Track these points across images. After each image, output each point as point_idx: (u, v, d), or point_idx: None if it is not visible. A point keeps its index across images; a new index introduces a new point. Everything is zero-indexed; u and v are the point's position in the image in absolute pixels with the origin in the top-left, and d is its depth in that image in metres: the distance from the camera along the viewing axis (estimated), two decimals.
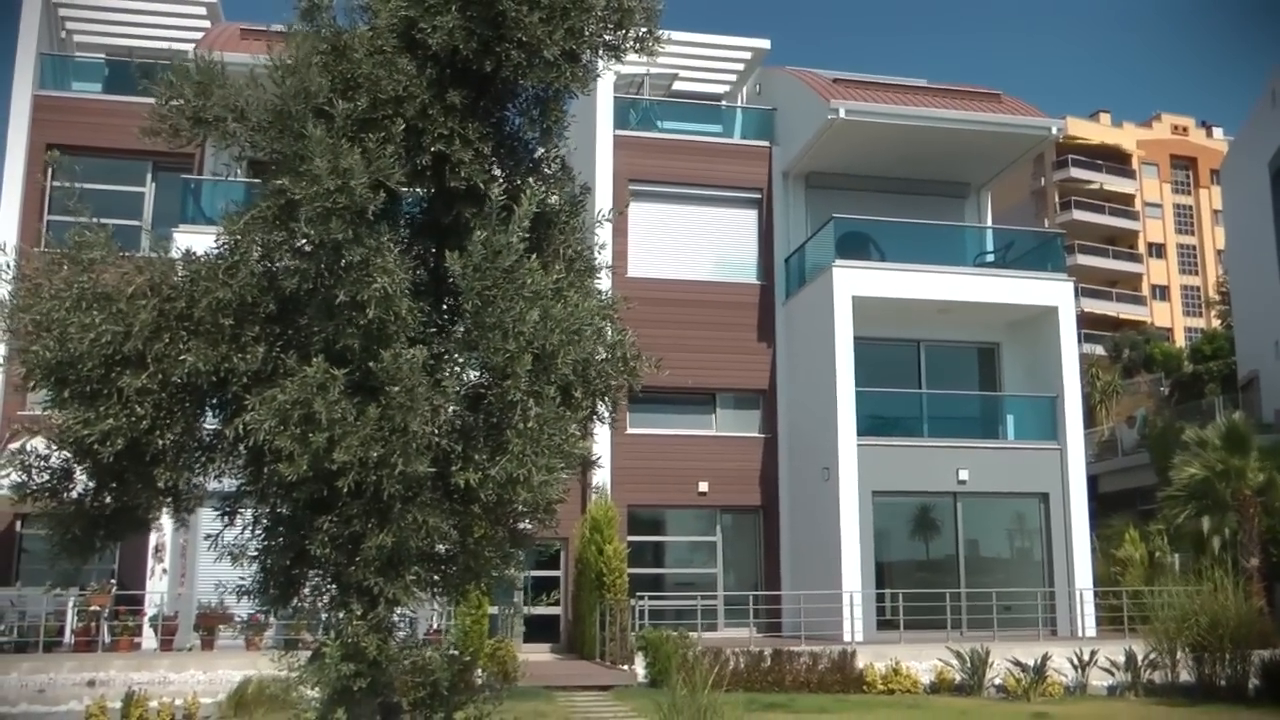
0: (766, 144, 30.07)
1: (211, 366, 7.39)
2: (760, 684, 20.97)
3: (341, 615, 7.91)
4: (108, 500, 8.07)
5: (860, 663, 21.86)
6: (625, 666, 22.20)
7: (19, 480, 8.04)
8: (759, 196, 29.70)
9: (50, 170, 26.04)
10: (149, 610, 21.71)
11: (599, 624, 23.44)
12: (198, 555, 21.50)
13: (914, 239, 27.77)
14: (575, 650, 25.08)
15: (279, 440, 7.09)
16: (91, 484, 8.03)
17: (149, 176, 26.53)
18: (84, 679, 19.00)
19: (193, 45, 25.82)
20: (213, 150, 24.16)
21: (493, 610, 21.48)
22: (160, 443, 7.54)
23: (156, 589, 21.87)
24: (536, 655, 23.88)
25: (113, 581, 22.21)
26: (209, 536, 8.27)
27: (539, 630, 25.12)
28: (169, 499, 8.14)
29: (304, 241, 7.43)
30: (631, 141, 28.67)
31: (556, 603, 25.43)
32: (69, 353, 7.36)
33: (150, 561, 21.71)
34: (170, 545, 21.67)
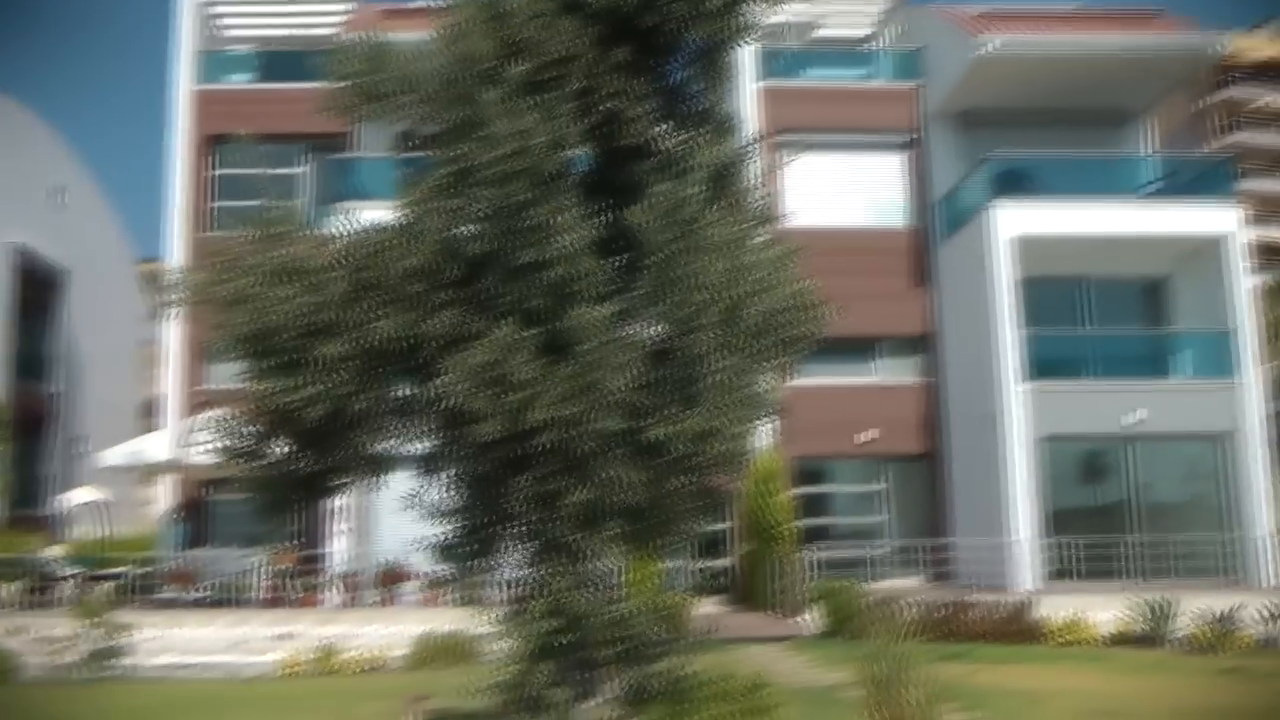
0: (914, 85, 29.50)
1: (403, 332, 7.54)
2: (935, 635, 20.69)
3: (542, 571, 8.04)
4: (305, 465, 8.31)
5: (1037, 613, 21.40)
6: (799, 618, 22.14)
7: (223, 445, 8.32)
8: (908, 139, 29.18)
9: (215, 159, 26.89)
10: (332, 568, 22.47)
11: (769, 576, 23.41)
12: (379, 515, 22.08)
13: (1073, 173, 26.91)
14: (746, 603, 25.07)
15: (473, 402, 7.20)
16: (289, 449, 8.28)
17: (305, 158, 27.09)
18: (276, 633, 19.78)
19: (336, 30, 26.26)
20: (368, 128, 24.65)
21: (664, 565, 21.59)
22: (357, 408, 7.72)
23: (338, 548, 22.61)
24: (708, 608, 23.95)
25: (298, 542, 22.90)
26: (407, 496, 8.44)
27: (710, 583, 25.20)
28: (366, 462, 8.34)
29: (485, 206, 7.50)
30: (777, 92, 28.35)
31: (726, 555, 25.51)
32: (266, 324, 7.57)
33: (332, 522, 22.39)
34: (351, 506, 22.28)
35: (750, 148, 9.08)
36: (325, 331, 7.57)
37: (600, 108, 7.91)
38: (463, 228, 7.68)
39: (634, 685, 8.34)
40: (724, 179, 8.58)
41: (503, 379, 7.13)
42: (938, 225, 28.64)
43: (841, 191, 28.39)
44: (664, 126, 8.29)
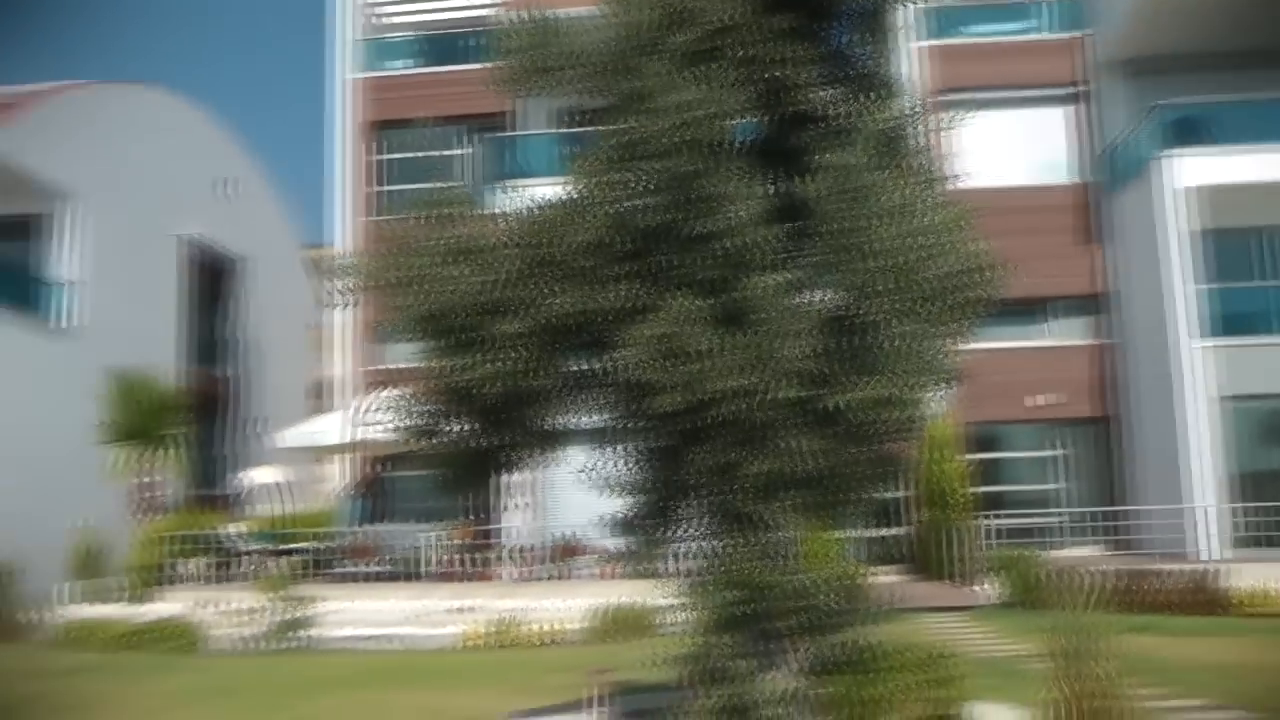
0: (1079, 35, 28.66)
1: (577, 307, 7.55)
2: (1116, 605, 20.08)
3: (722, 543, 8.00)
4: (483, 441, 8.40)
5: (1224, 583, 20.60)
6: (977, 588, 21.82)
7: (403, 424, 8.47)
8: (1074, 91, 28.38)
9: (378, 144, 27.47)
10: (508, 543, 22.82)
11: (945, 544, 23.11)
12: (553, 490, 22.36)
13: (1252, 118, 25.76)
14: (921, 571, 24.78)
15: (650, 374, 7.18)
16: (468, 427, 8.38)
17: (466, 140, 27.44)
18: (454, 606, 20.18)
19: (495, 10, 26.50)
20: (529, 107, 24.91)
21: (840, 534, 21.42)
22: (533, 384, 7.77)
23: (514, 523, 22.96)
24: (884, 578, 23.70)
25: (474, 517, 23.32)
26: (582, 470, 8.47)
27: (882, 552, 24.94)
28: (543, 438, 8.40)
29: (654, 178, 7.46)
30: (939, 50, 27.84)
31: (901, 524, 25.22)
32: (442, 304, 7.65)
33: (507, 497, 22.75)
34: (526, 481, 22.60)
35: (918, 109, 8.89)
36: (500, 309, 7.63)
37: (764, 75, 7.81)
38: (633, 201, 7.63)
39: (816, 656, 8.26)
40: (892, 142, 8.39)
41: (679, 350, 7.10)
42: (1108, 179, 27.80)
43: (1006, 149, 27.69)
44: (830, 91, 8.15)
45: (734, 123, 7.72)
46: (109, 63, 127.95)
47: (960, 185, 8.72)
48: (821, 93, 7.96)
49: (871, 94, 8.28)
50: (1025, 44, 29.19)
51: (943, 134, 9.19)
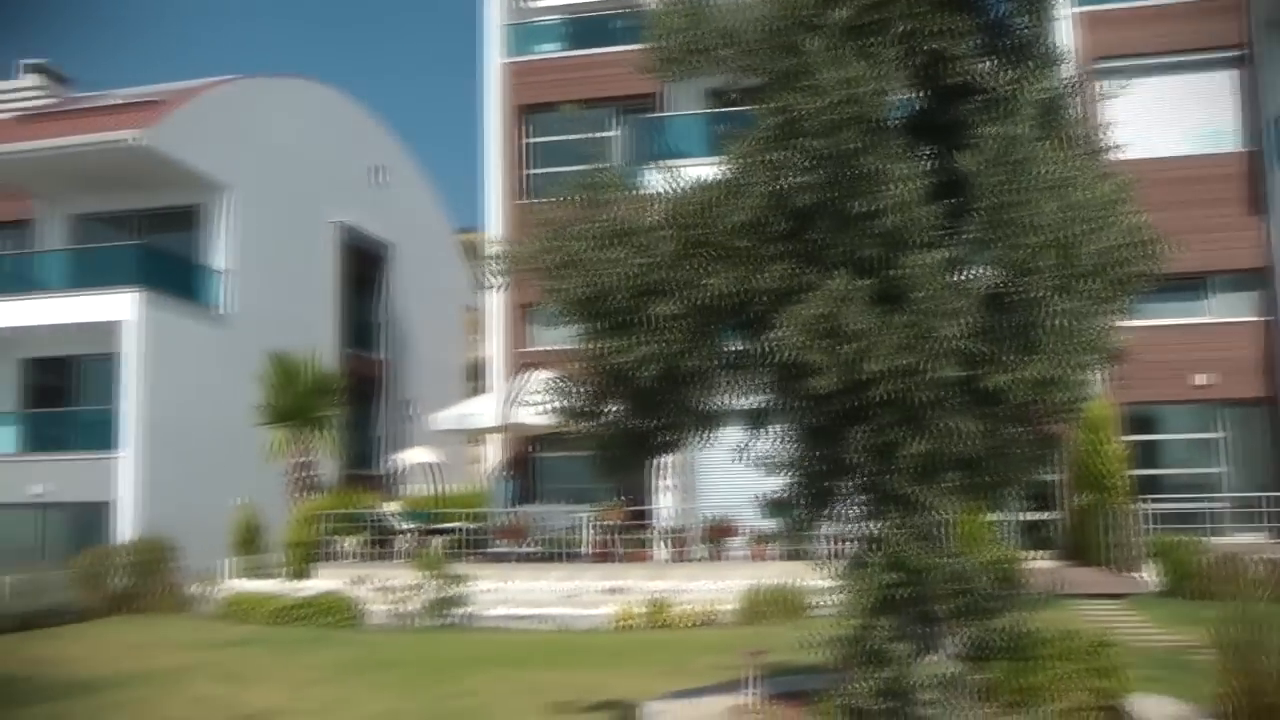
0: None
1: (734, 288, 7.54)
2: None
3: (879, 524, 7.93)
4: (640, 423, 8.43)
5: None
6: (1134, 574, 21.28)
7: (560, 405, 8.54)
8: (1237, 54, 27.37)
9: (527, 128, 27.74)
10: (659, 524, 22.91)
11: (1101, 529, 22.57)
12: (704, 470, 22.38)
13: None
14: (1076, 557, 24.25)
15: (808, 354, 7.14)
16: (625, 408, 8.42)
17: (615, 122, 27.50)
18: (606, 586, 20.32)
19: None
20: (678, 88, 24.88)
21: (993, 518, 21.06)
22: (690, 365, 7.78)
23: (665, 504, 23.03)
24: (1038, 563, 23.27)
25: (625, 498, 23.44)
26: (738, 450, 8.45)
27: (1036, 536, 24.46)
28: (700, 419, 8.41)
29: (812, 157, 7.39)
30: (1096, 17, 27.08)
31: (1055, 508, 24.69)
32: (598, 287, 7.69)
33: (658, 478, 22.81)
34: (676, 462, 22.65)
35: (1078, 79, 8.67)
36: (656, 291, 7.64)
37: (924, 48, 7.68)
38: (790, 180, 7.57)
39: (974, 641, 8.14)
40: (1052, 113, 8.19)
41: (837, 330, 7.04)
42: (1273, 147, 26.77)
43: (1166, 117, 26.82)
44: (988, 63, 7.99)
45: (894, 98, 7.62)
46: (264, 56, 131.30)
47: (1120, 156, 8.50)
48: (980, 64, 7.82)
49: (1030, 63, 8.09)
50: (1186, 5, 28.15)
51: (1101, 103, 8.97)
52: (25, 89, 34.64)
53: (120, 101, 31.55)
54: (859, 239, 7.30)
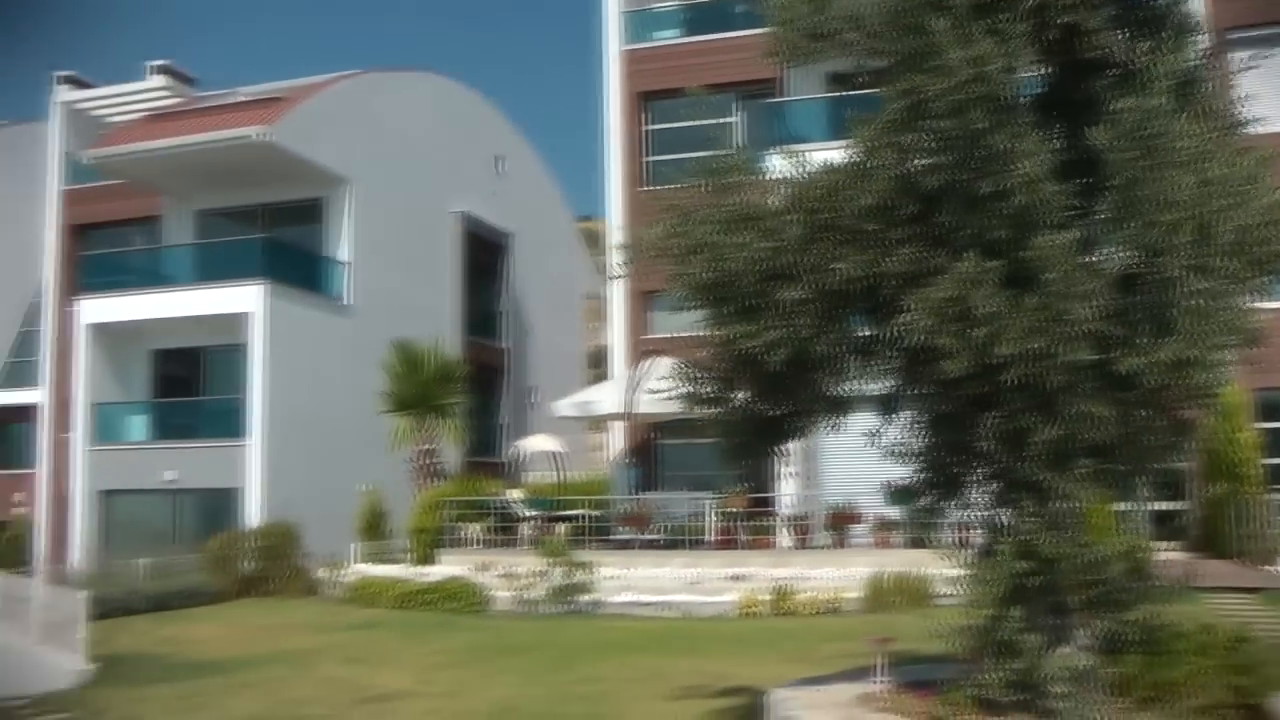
0: None
1: (861, 272, 7.45)
2: None
3: (1010, 512, 7.80)
4: (767, 409, 8.39)
5: None
6: (1267, 567, 20.64)
7: (687, 392, 8.53)
8: None
9: (646, 115, 27.76)
10: (782, 511, 22.80)
11: (1234, 520, 21.94)
12: (826, 457, 22.21)
13: None
14: (1206, 548, 23.60)
15: (937, 339, 7.04)
16: (752, 394, 8.39)
17: (735, 108, 27.33)
18: (729, 573, 20.28)
19: None
20: (798, 72, 24.67)
21: (1120, 507, 20.53)
22: (818, 350, 7.71)
23: (787, 491, 22.90)
24: (1167, 553, 22.67)
25: (747, 485, 23.37)
26: (864, 436, 8.36)
27: (1166, 526, 23.83)
28: (827, 404, 8.34)
29: (939, 138, 7.27)
30: None
31: (1183, 497, 24.02)
32: (724, 271, 7.65)
33: (779, 465, 22.67)
34: (798, 449, 22.53)
35: (1214, 49, 8.42)
36: (783, 275, 7.58)
37: (1055, 22, 7.50)
38: (917, 162, 7.46)
39: (1107, 633, 7.95)
40: (1186, 86, 7.94)
41: (966, 314, 6.91)
42: None
43: None
44: (1121, 35, 7.78)
45: (1023, 75, 7.47)
46: (385, 50, 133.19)
47: (1258, 130, 8.23)
48: (1113, 36, 7.61)
49: (1165, 34, 7.85)
50: None
51: (1238, 75, 8.68)
52: (152, 90, 35.54)
53: (245, 99, 32.28)
54: (988, 220, 7.16)
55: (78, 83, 36.58)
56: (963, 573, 8.02)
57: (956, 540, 12.59)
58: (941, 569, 8.35)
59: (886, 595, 17.91)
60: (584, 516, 23.87)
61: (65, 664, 15.86)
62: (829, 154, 8.24)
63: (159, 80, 35.55)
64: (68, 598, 17.15)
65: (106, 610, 19.27)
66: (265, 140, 28.56)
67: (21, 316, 38.91)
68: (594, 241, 45.52)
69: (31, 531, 33.86)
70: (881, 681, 8.81)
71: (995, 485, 8.03)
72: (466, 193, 36.31)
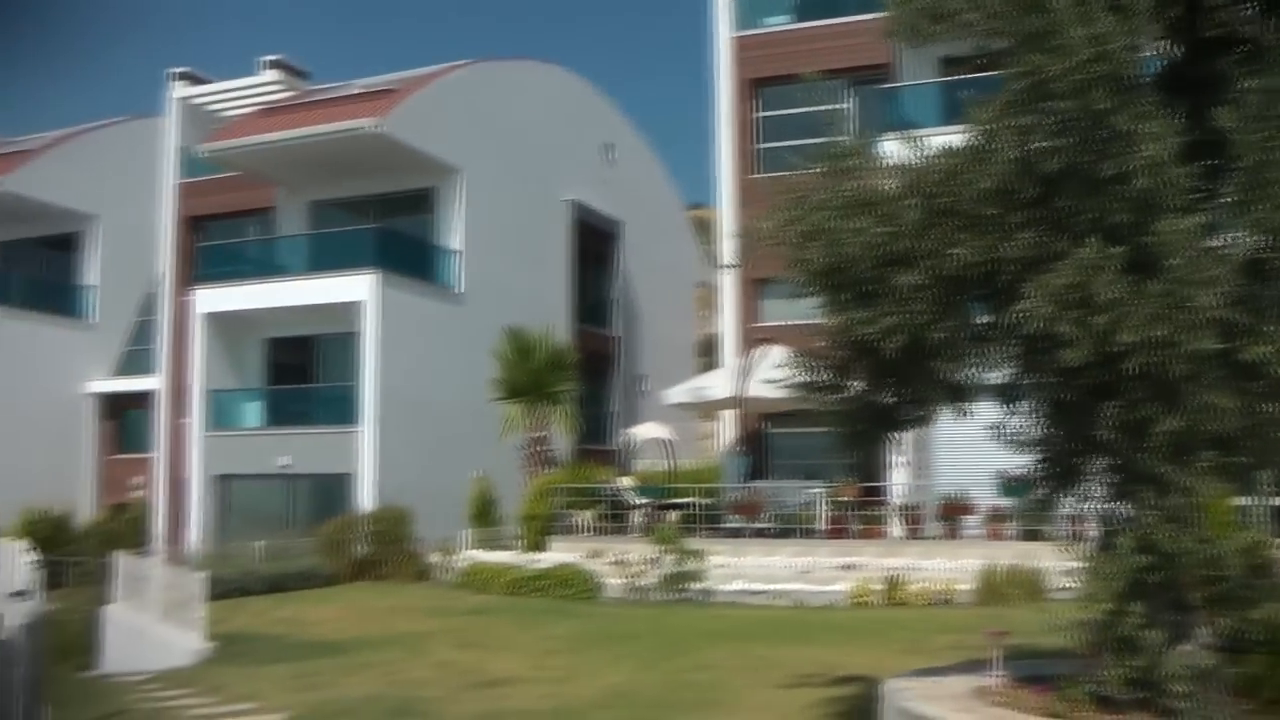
0: None
1: (980, 257, 7.31)
2: None
3: (1130, 505, 7.61)
4: (884, 397, 8.28)
5: None
6: None
7: (802, 380, 8.45)
8: None
9: (757, 102, 27.63)
10: (893, 501, 22.59)
11: None
12: (936, 447, 21.94)
13: None
14: None
15: (1057, 326, 6.88)
16: (868, 382, 8.29)
17: (846, 93, 27.09)
18: (840, 563, 20.18)
19: None
20: (911, 57, 24.38)
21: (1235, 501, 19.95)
22: (935, 337, 7.59)
23: (898, 481, 22.68)
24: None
25: (858, 474, 23.22)
26: (991, 426, 8.22)
27: None
28: (945, 393, 8.21)
29: (1060, 119, 7.10)
30: None
31: None
32: (841, 257, 7.56)
33: (890, 454, 22.47)
34: (909, 438, 22.31)
35: None
36: (900, 261, 7.47)
37: None
38: (1037, 144, 7.29)
39: (1230, 631, 7.70)
40: None
41: (1087, 300, 6.74)
42: None
43: None
44: (1250, 11, 7.53)
45: (1146, 54, 7.29)
46: (495, 40, 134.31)
47: None
48: (1242, 12, 7.38)
49: None
50: None
51: None
52: (265, 84, 36.14)
53: (357, 91, 32.71)
54: (1110, 204, 6.98)
55: (193, 79, 37.35)
56: (1080, 566, 7.83)
57: (1070, 533, 12.38)
58: (1055, 562, 8.17)
59: (999, 588, 17.64)
60: (694, 504, 23.86)
61: (185, 642, 16.25)
62: (944, 138, 8.10)
63: (272, 75, 36.16)
64: (186, 578, 17.56)
65: (223, 591, 19.74)
66: (378, 132, 28.93)
67: (139, 306, 39.85)
68: (703, 229, 45.46)
69: (149, 514, 34.73)
70: (997, 675, 8.67)
71: (1114, 477, 7.82)
72: (577, 181, 36.46)
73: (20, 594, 11.14)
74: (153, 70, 45.74)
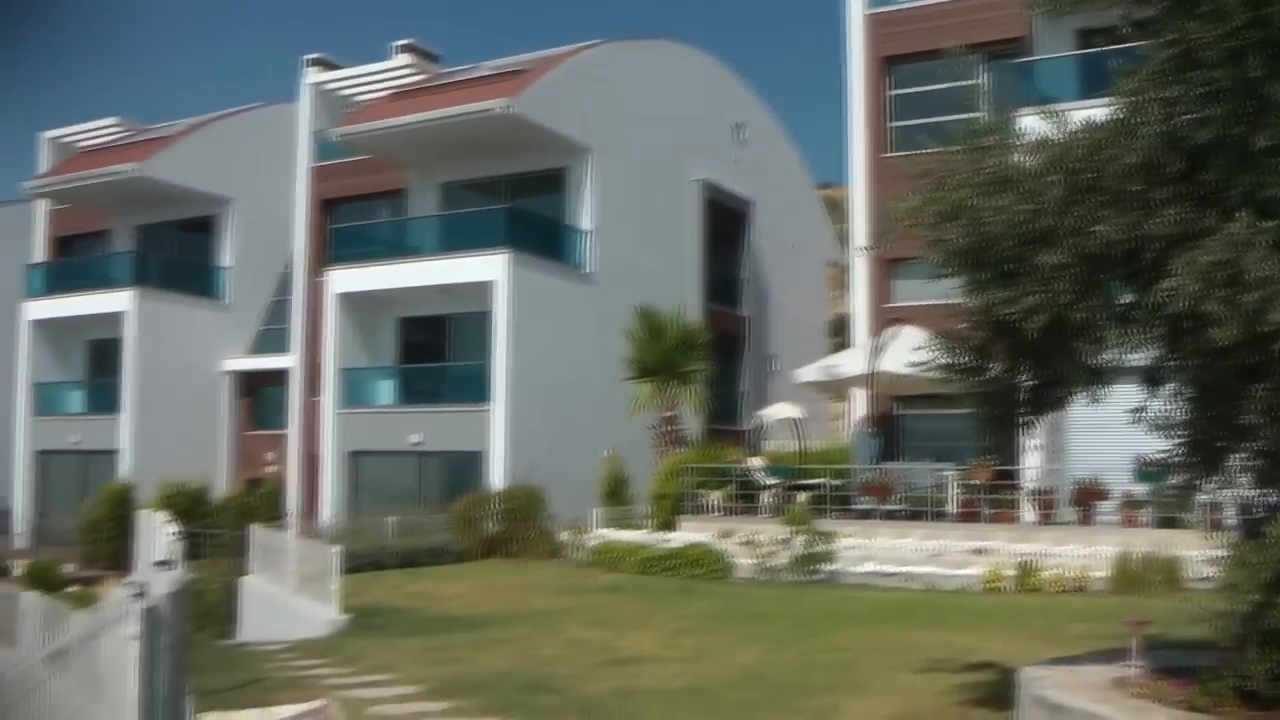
0: None
1: (1124, 234, 7.09)
2: None
3: (1276, 493, 7.33)
4: (1025, 378, 8.11)
5: None
6: None
7: (943, 361, 8.31)
8: None
9: (890, 79, 27.26)
10: (1026, 484, 22.16)
11: None
12: (1071, 431, 21.47)
13: None
14: None
15: (1204, 305, 6.64)
16: (1009, 363, 8.12)
17: (981, 69, 26.54)
18: (971, 547, 19.82)
19: None
20: (1048, 30, 23.83)
21: None
22: (1078, 317, 7.39)
23: (1031, 464, 22.25)
24: None
25: (991, 457, 22.84)
26: (1134, 410, 7.97)
27: None
28: (1087, 374, 8.00)
29: (1210, 89, 6.84)
30: None
31: None
32: (982, 236, 7.40)
33: (1024, 437, 22.05)
34: (1044, 421, 21.87)
35: None
36: (1043, 239, 7.28)
37: None
38: (1186, 116, 7.04)
39: None
40: None
41: (1238, 278, 6.48)
42: None
43: None
44: None
45: None
46: (625, 19, 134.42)
47: None
48: None
49: None
50: None
51: None
52: (397, 68, 36.60)
53: (487, 73, 32.98)
54: (1263, 177, 6.72)
55: (326, 64, 37.97)
56: (1223, 555, 7.55)
57: (1209, 520, 11.97)
58: (1194, 550, 7.88)
59: (1135, 576, 17.14)
60: (825, 485, 23.69)
61: (320, 613, 16.59)
62: (1085, 113, 7.88)
63: (404, 59, 36.61)
64: (321, 551, 17.91)
65: (357, 565, 20.12)
66: (508, 113, 29.14)
67: (274, 286, 40.73)
68: (835, 209, 45.04)
69: (283, 489, 35.56)
70: (1136, 666, 8.43)
71: (1261, 463, 7.54)
72: (707, 160, 36.34)
73: (164, 563, 11.44)
74: (287, 58, 46.68)
